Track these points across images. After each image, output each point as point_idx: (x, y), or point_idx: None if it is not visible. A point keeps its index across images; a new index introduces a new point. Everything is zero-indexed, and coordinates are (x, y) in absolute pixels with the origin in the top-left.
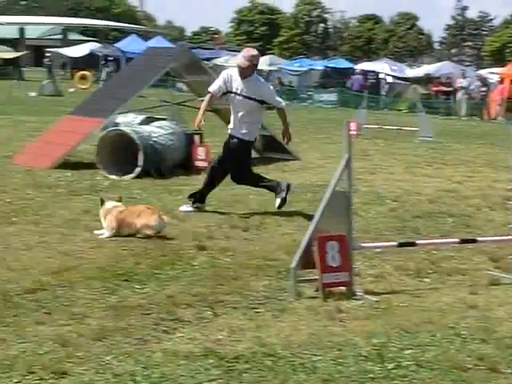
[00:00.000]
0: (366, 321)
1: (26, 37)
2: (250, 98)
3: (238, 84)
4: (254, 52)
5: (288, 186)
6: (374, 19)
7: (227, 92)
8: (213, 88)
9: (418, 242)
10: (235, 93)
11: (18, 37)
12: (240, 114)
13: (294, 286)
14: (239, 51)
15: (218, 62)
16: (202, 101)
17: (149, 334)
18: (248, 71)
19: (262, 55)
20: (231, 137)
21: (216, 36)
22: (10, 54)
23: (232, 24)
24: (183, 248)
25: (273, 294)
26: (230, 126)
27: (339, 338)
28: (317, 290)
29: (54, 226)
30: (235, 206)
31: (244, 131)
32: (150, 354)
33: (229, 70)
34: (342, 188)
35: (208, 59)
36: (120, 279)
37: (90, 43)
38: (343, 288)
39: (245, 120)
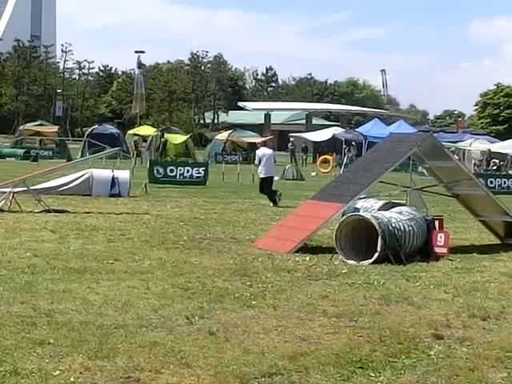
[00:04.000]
0: None
1: (272, 122)
2: None
3: None
4: None
5: None
6: None
7: None
8: None
9: None
10: None
11: (263, 122)
12: None
13: None
14: (484, 134)
15: (460, 145)
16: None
17: None
18: None
19: (507, 139)
20: None
21: (460, 119)
22: (256, 139)
23: (476, 107)
24: (419, 336)
25: None
26: None
27: None
28: None
29: (291, 311)
30: (474, 294)
31: None
32: None
33: None
34: None
35: (451, 142)
36: (355, 366)
37: (333, 128)
38: None
39: None
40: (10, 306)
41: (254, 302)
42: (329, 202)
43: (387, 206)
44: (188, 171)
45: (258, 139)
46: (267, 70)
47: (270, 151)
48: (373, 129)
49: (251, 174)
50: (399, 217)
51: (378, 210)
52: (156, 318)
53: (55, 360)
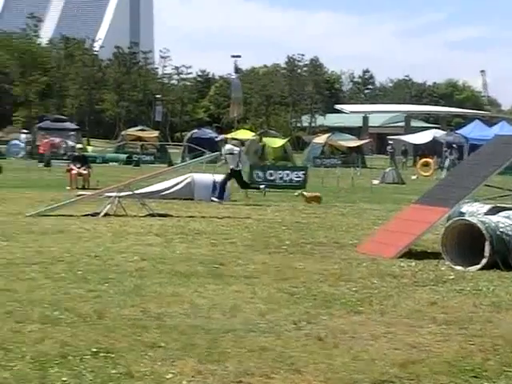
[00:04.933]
0: None
1: (370, 125)
2: None
3: None
4: None
5: None
6: None
7: None
8: None
9: None
10: None
11: (361, 125)
12: None
13: None
14: None
15: None
16: None
17: None
18: None
19: None
20: None
21: None
22: (354, 143)
23: None
24: None
25: None
26: None
27: None
28: None
29: (399, 317)
30: None
31: None
32: None
33: None
34: None
35: None
36: (468, 375)
37: (433, 130)
38: None
39: None
40: (120, 308)
41: (360, 308)
42: (433, 206)
43: (494, 211)
44: (287, 175)
45: (357, 142)
46: (364, 72)
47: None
48: (474, 131)
49: (350, 177)
50: (507, 221)
51: (485, 214)
52: (263, 323)
53: (167, 363)
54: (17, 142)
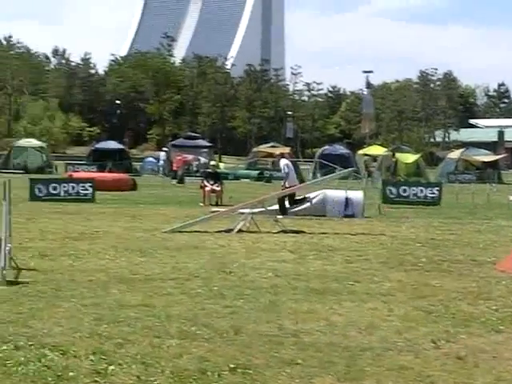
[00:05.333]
0: None
1: (506, 139)
2: None
3: None
4: None
5: None
6: None
7: None
8: None
9: None
10: None
11: (496, 140)
12: None
13: None
14: None
15: None
16: None
17: None
18: None
19: None
20: None
21: None
22: (489, 158)
23: None
24: None
25: None
26: None
27: None
28: None
29: None
30: None
31: None
32: None
33: None
34: None
35: None
36: None
37: None
38: None
39: None
40: (257, 325)
41: (501, 327)
42: None
43: None
44: (421, 191)
45: (492, 157)
46: (499, 85)
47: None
48: None
49: (486, 193)
50: None
51: None
52: (401, 341)
53: (305, 380)
54: (151, 159)
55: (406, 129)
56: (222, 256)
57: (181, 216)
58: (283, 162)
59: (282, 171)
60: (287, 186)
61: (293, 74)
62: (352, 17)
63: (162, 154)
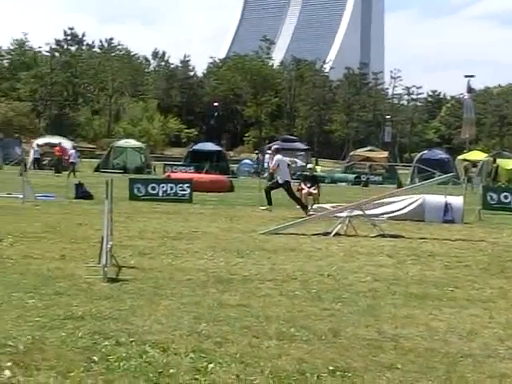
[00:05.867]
0: None
1: None
2: None
3: None
4: None
5: None
6: None
7: None
8: None
9: None
10: None
11: None
12: None
13: None
14: None
15: None
16: None
17: None
18: None
19: None
20: None
21: None
22: None
23: None
24: None
25: None
26: None
27: None
28: None
29: None
30: None
31: None
32: None
33: None
34: None
35: None
36: None
37: None
38: None
39: None
40: (355, 328)
41: None
42: None
43: None
44: None
45: None
46: None
47: (286, 158)
48: None
49: None
50: None
51: None
52: (503, 349)
53: None
54: (247, 161)
55: (508, 134)
56: (319, 259)
57: (277, 218)
58: (277, 157)
59: (272, 165)
60: (280, 181)
61: (392, 77)
62: (453, 19)
63: (267, 157)
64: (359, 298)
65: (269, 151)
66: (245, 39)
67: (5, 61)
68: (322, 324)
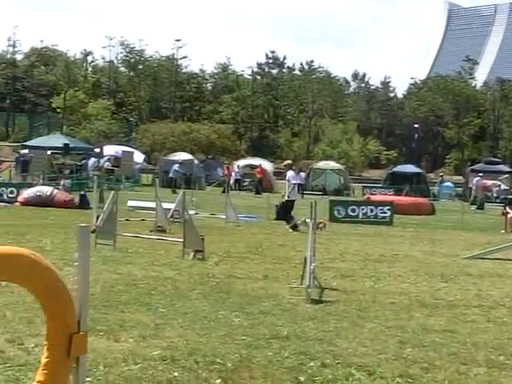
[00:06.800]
0: None
1: None
2: None
3: None
4: None
5: None
6: None
7: None
8: None
9: None
10: None
11: None
12: None
13: None
14: None
15: None
16: None
17: None
18: None
19: None
20: None
21: None
22: None
23: None
24: None
25: None
26: None
27: None
28: None
29: None
30: None
31: None
32: None
33: None
34: None
35: None
36: None
37: None
38: None
39: None
40: None
41: None
42: None
43: None
44: None
45: None
46: None
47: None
48: None
49: None
50: None
51: None
52: None
53: None
54: (448, 183)
55: None
56: None
57: (481, 242)
58: (289, 173)
59: (288, 183)
60: (289, 198)
61: None
62: None
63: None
64: None
65: (480, 174)
66: (447, 59)
67: (209, 84)
68: None
